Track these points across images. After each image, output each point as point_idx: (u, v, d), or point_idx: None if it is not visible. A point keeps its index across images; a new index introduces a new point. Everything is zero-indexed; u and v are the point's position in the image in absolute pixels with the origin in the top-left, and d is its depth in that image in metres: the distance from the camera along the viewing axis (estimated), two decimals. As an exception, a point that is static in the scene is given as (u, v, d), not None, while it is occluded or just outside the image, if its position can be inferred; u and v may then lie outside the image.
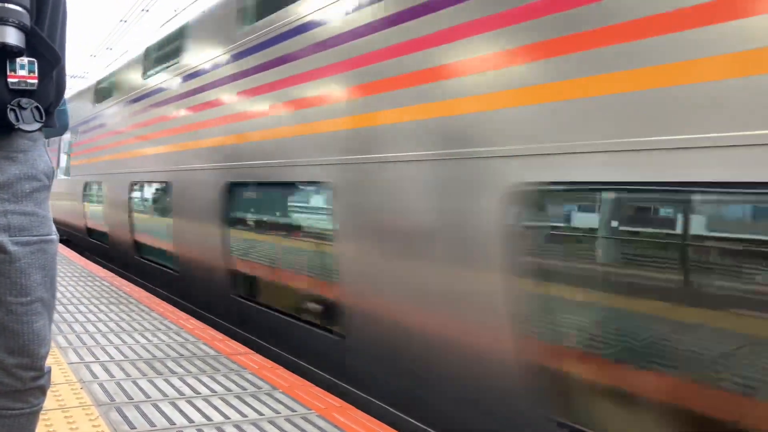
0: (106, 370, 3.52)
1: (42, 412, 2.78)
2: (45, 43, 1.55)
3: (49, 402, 2.93)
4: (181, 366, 3.70)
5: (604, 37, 2.38)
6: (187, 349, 4.09)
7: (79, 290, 6.10)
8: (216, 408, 3.02)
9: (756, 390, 2.09)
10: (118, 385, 3.28)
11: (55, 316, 4.80)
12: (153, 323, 4.80)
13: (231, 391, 3.30)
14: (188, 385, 3.36)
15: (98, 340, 4.19)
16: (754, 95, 1.95)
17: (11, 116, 1.48)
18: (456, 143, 3.06)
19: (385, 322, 3.61)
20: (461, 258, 3.05)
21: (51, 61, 1.57)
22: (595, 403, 2.54)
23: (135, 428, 2.72)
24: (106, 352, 3.90)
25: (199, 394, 3.22)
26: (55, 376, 3.33)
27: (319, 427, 2.85)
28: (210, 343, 4.30)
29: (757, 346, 2.10)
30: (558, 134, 2.52)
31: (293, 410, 3.06)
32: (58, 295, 5.72)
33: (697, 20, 2.09)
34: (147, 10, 22.79)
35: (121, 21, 25.31)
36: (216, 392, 3.26)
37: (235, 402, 3.13)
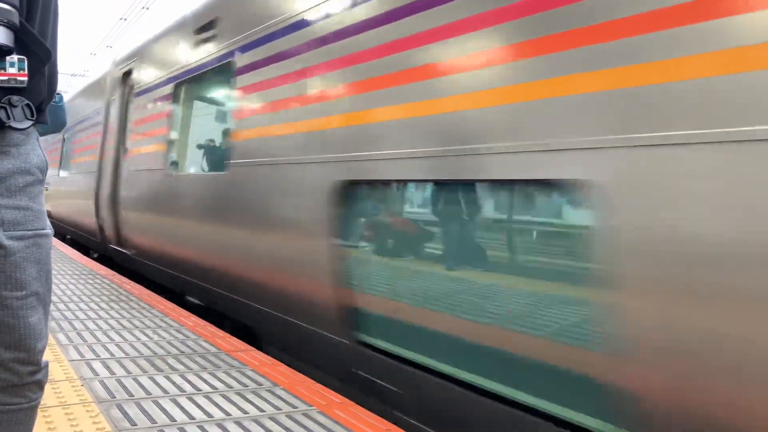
0: (107, 368, 3.52)
1: (43, 408, 2.79)
2: (36, 39, 1.54)
3: (49, 399, 2.93)
4: (182, 363, 3.70)
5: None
6: (188, 346, 4.09)
7: (80, 288, 6.10)
8: (217, 405, 3.02)
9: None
10: (119, 382, 3.28)
11: (56, 313, 4.80)
12: (154, 320, 4.80)
13: (232, 387, 3.30)
14: (189, 382, 3.35)
15: (99, 338, 4.19)
16: None
17: (1, 114, 1.48)
18: (297, 152, 4.21)
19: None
20: (305, 235, 4.15)
21: (42, 58, 1.56)
22: (376, 324, 3.71)
23: (136, 425, 2.72)
24: (107, 350, 3.90)
25: (200, 390, 3.22)
26: (56, 373, 3.33)
27: (320, 423, 2.85)
28: (211, 340, 4.30)
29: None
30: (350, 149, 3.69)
31: (294, 407, 3.06)
32: (59, 292, 5.72)
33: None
34: (147, 8, 22.78)
35: (121, 19, 25.31)
36: (217, 389, 3.26)
37: (236, 399, 3.12)
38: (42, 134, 2.89)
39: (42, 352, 1.59)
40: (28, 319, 1.54)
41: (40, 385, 1.61)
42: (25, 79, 1.50)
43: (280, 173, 4.47)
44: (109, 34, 29.22)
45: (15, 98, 1.50)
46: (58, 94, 3.30)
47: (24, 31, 1.50)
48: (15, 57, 1.48)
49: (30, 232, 1.54)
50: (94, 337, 4.19)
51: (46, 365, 1.63)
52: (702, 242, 2.10)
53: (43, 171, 1.62)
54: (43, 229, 1.58)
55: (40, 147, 1.64)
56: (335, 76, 3.93)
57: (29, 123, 1.53)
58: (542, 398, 2.74)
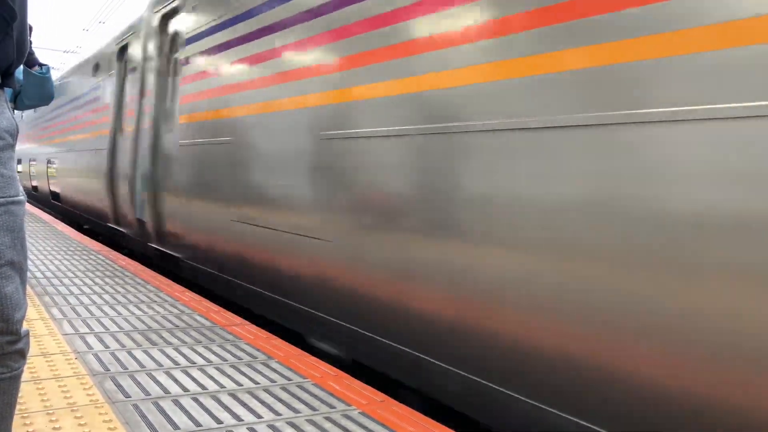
0: (101, 341, 3.51)
1: (36, 381, 2.78)
2: None
3: (42, 372, 2.92)
4: (176, 337, 3.69)
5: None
6: (183, 321, 4.08)
7: (74, 263, 6.08)
8: (211, 377, 3.01)
9: None
10: (113, 355, 3.27)
11: (50, 288, 4.78)
12: (148, 296, 4.79)
13: (226, 360, 3.29)
14: (183, 355, 3.35)
15: (93, 312, 4.17)
16: None
17: None
18: None
19: None
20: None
21: (6, 18, 1.48)
22: None
23: (130, 397, 2.71)
24: (101, 324, 3.89)
25: (195, 363, 3.22)
26: (50, 346, 3.32)
27: (314, 395, 2.85)
28: (205, 314, 4.29)
29: None
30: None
31: (289, 379, 3.05)
32: (53, 268, 5.70)
33: None
34: (139, -17, 22.43)
35: (113, -6, 24.97)
36: (211, 362, 3.25)
37: (231, 371, 3.12)
38: (29, 107, 2.80)
39: (21, 321, 1.55)
40: (4, 289, 1.49)
41: (21, 354, 1.58)
42: None
43: None
44: (102, 10, 28.86)
45: None
46: (44, 65, 3.21)
47: None
48: None
49: (1, 200, 1.48)
50: (88, 312, 4.17)
51: (27, 334, 1.59)
52: None
53: (13, 135, 1.55)
54: (15, 196, 1.52)
55: (10, 110, 1.57)
56: None
57: None
58: None
